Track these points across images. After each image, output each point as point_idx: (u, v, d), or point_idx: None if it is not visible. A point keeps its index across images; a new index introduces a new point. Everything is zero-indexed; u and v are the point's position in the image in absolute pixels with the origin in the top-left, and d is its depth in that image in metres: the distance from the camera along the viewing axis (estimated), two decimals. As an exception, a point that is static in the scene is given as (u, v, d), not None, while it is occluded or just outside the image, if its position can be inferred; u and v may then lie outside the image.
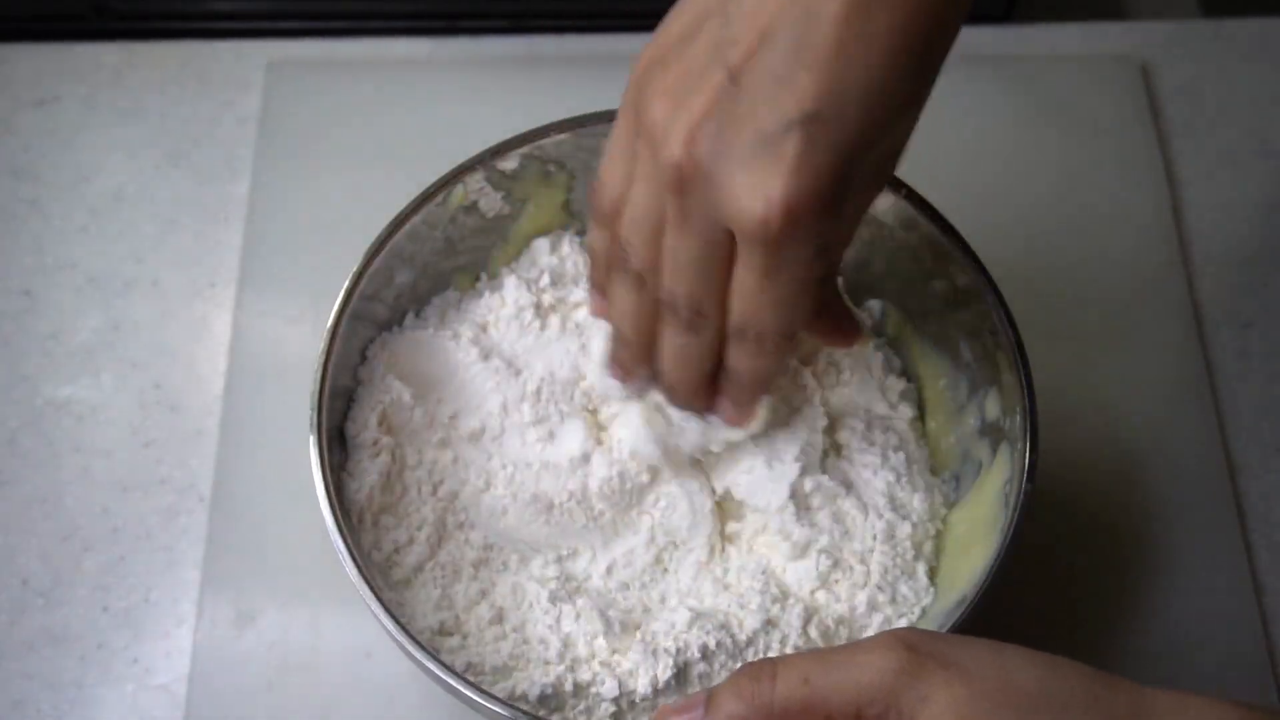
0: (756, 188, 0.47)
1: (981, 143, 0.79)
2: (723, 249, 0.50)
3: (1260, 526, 0.70)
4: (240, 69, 0.82)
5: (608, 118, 0.62)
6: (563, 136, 0.62)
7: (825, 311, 0.57)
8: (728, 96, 0.47)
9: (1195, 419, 0.72)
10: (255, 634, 0.65)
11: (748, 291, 0.50)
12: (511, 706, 0.52)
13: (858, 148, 0.47)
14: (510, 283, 0.63)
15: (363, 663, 0.65)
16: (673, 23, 0.50)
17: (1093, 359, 0.73)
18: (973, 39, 0.83)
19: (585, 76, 0.80)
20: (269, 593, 0.66)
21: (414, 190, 0.61)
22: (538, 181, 0.63)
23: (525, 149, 0.62)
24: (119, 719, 0.64)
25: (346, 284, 0.59)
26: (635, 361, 0.56)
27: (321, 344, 0.58)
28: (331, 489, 0.55)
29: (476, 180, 0.62)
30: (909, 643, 0.44)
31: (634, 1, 0.85)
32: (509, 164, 0.62)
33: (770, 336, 0.52)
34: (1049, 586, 0.67)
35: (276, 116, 0.80)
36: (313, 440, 0.56)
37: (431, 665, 0.52)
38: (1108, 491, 0.70)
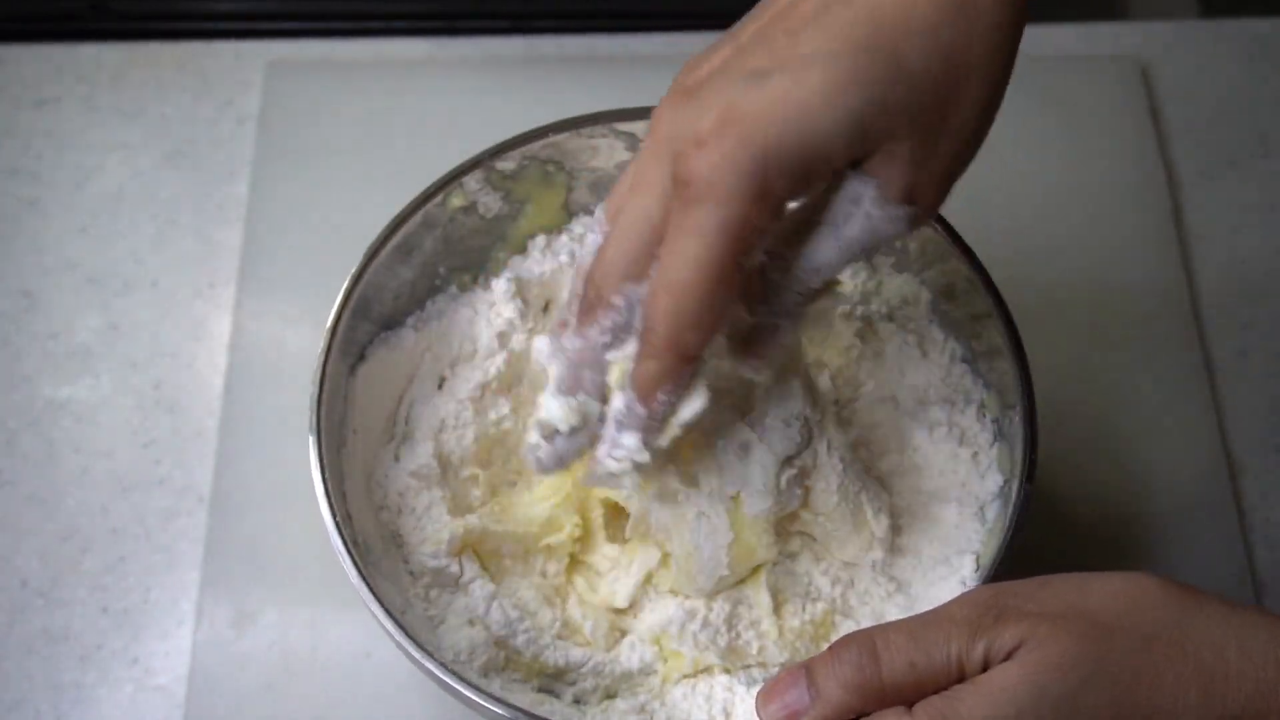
0: (688, 126, 0.44)
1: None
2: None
3: (1260, 526, 0.70)
4: (240, 69, 0.82)
5: (607, 118, 0.62)
6: (562, 137, 0.62)
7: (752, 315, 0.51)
8: (734, 55, 0.45)
9: (1195, 419, 0.72)
10: (255, 634, 0.65)
11: (669, 245, 0.45)
12: (511, 706, 0.52)
13: (806, 113, 0.43)
14: (499, 285, 0.64)
15: (363, 663, 0.65)
16: (703, 61, 0.48)
17: (1092, 359, 0.73)
18: (973, 39, 0.83)
19: (585, 76, 0.80)
20: (269, 593, 0.66)
21: (414, 190, 0.61)
22: (537, 182, 0.63)
23: (525, 149, 0.62)
24: (119, 719, 0.65)
25: (346, 284, 0.59)
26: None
27: (321, 344, 0.58)
28: (331, 489, 0.55)
29: (476, 180, 0.62)
30: (992, 603, 0.45)
31: (634, 2, 0.86)
32: (508, 164, 0.62)
33: (678, 290, 0.46)
34: (1049, 586, 0.67)
35: (276, 116, 0.80)
36: (312, 441, 0.56)
37: (431, 665, 0.52)
38: (1108, 491, 0.70)
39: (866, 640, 0.46)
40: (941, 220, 0.60)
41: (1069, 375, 0.71)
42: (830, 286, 0.50)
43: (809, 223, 0.48)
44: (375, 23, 0.85)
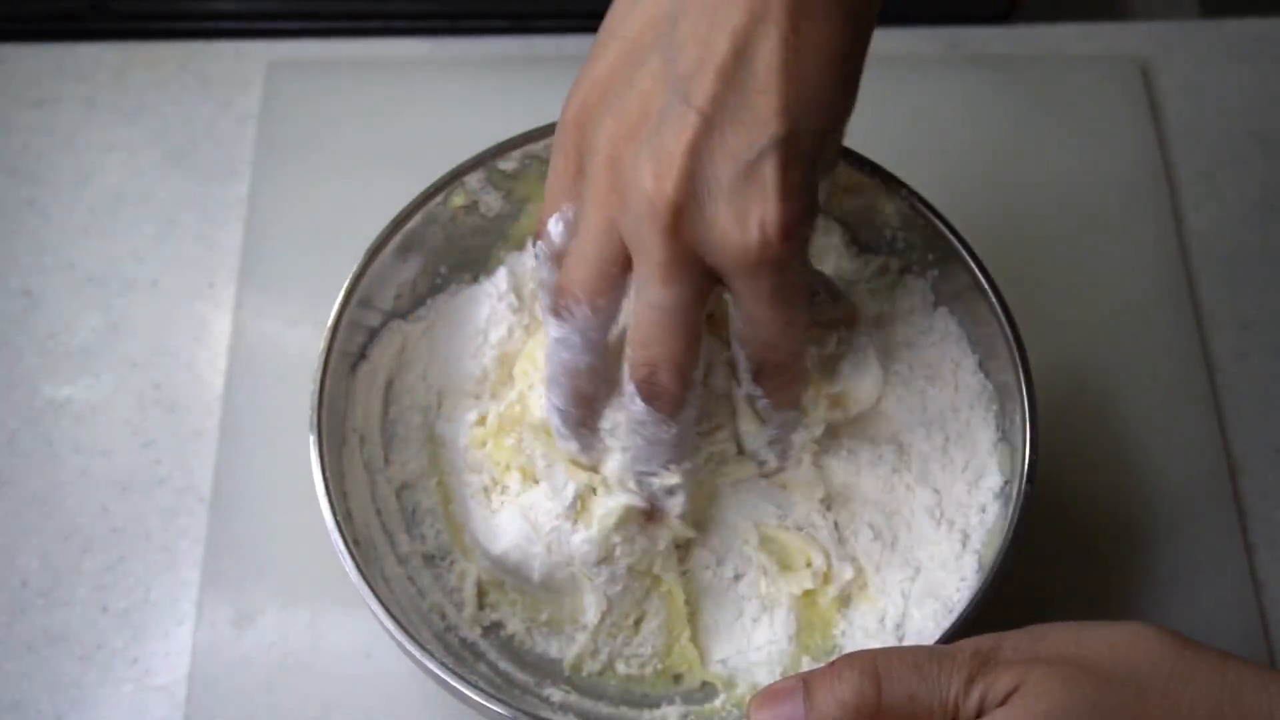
0: (748, 217, 0.48)
1: (981, 143, 0.79)
2: (700, 302, 0.51)
3: (1260, 526, 0.70)
4: (240, 69, 0.82)
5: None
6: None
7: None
8: (704, 134, 0.48)
9: (1195, 419, 0.72)
10: (255, 634, 0.65)
11: (763, 322, 0.51)
12: (511, 706, 0.52)
13: (818, 154, 0.49)
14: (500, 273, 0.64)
15: (363, 663, 0.65)
16: (597, 63, 0.51)
17: (1093, 359, 0.73)
18: (973, 39, 0.83)
19: (585, 76, 0.80)
20: (269, 593, 0.66)
21: (414, 190, 0.61)
22: (538, 181, 0.63)
23: (526, 148, 0.62)
24: (119, 719, 0.64)
25: (346, 283, 0.59)
26: (581, 426, 0.56)
27: (322, 343, 0.58)
28: (332, 488, 0.55)
29: (477, 180, 0.62)
30: (991, 650, 0.46)
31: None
32: (509, 164, 0.62)
33: (797, 357, 0.54)
34: (1048, 587, 0.67)
35: (276, 116, 0.80)
36: (313, 440, 0.56)
37: (431, 665, 0.52)
38: (1108, 491, 0.70)
39: (869, 664, 0.46)
40: (945, 220, 0.60)
41: (1068, 375, 0.71)
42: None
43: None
44: (375, 23, 0.85)
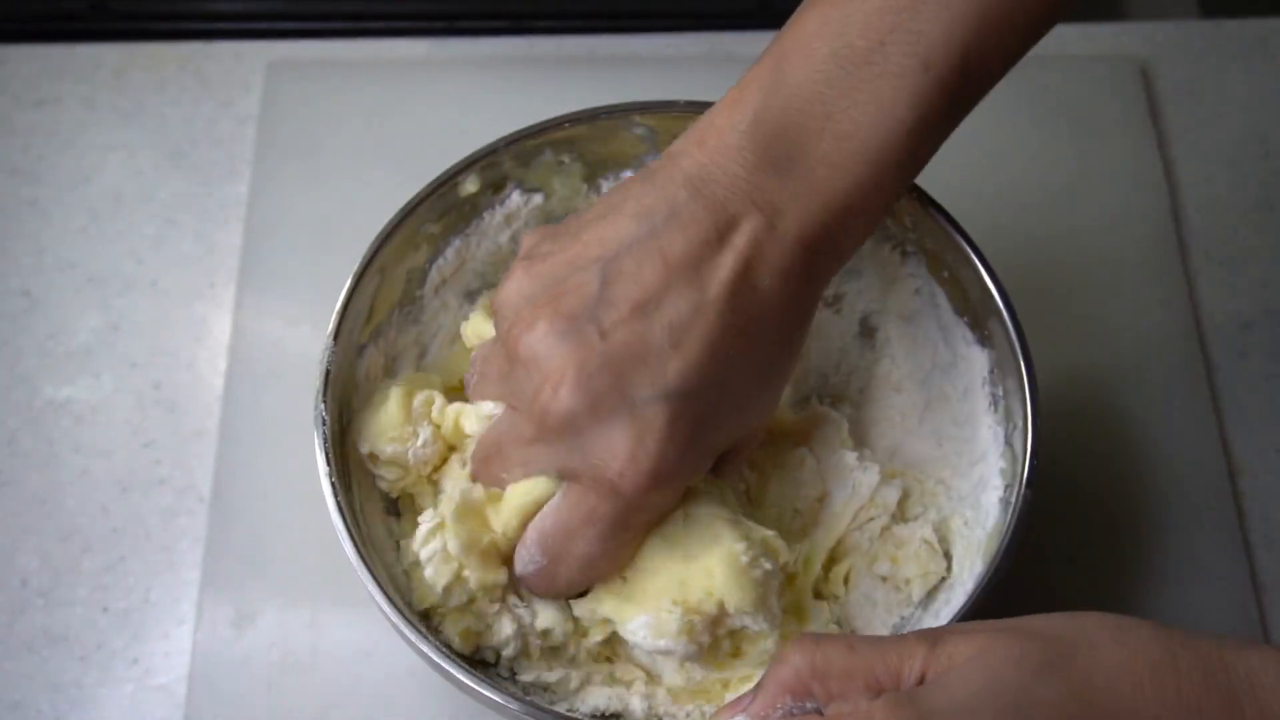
0: (619, 448, 0.50)
1: (981, 143, 0.79)
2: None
3: (1260, 526, 0.70)
4: (240, 69, 0.82)
5: (620, 111, 0.62)
6: (578, 129, 0.62)
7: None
8: (600, 355, 0.50)
9: (1195, 419, 0.72)
10: (255, 634, 0.65)
11: (561, 531, 0.54)
12: (513, 697, 0.52)
13: (714, 421, 0.52)
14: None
15: (363, 663, 0.65)
16: (552, 255, 0.53)
17: (1092, 359, 0.73)
18: (973, 39, 0.83)
19: (585, 77, 0.80)
20: (269, 593, 0.66)
21: (413, 189, 0.61)
22: (548, 172, 0.64)
23: (538, 140, 0.62)
24: (119, 719, 0.64)
25: (356, 270, 0.59)
26: None
27: (329, 329, 0.58)
28: (336, 482, 0.55)
29: (472, 183, 0.62)
30: (937, 630, 0.47)
31: (634, 2, 0.86)
32: (522, 154, 0.63)
33: (555, 573, 0.55)
34: (1049, 587, 0.67)
35: (276, 116, 0.80)
36: (318, 438, 0.56)
37: (430, 651, 0.52)
38: (1108, 491, 0.70)
39: (810, 636, 0.47)
40: (951, 221, 0.60)
41: (1068, 374, 0.71)
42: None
43: None
44: (375, 23, 0.85)
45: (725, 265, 0.51)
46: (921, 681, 0.45)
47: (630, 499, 0.52)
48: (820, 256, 0.53)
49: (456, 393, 0.61)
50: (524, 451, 0.54)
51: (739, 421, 0.54)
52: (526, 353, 0.51)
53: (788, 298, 0.52)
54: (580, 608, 0.57)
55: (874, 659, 0.46)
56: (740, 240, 0.51)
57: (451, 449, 0.60)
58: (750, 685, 0.50)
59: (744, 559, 0.54)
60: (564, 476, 0.54)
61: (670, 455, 0.51)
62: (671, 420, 0.50)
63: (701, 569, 0.54)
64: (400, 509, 0.61)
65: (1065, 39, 0.84)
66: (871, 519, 0.61)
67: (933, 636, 0.46)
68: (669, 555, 0.54)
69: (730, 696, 0.54)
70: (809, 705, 0.46)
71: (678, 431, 0.51)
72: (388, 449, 0.59)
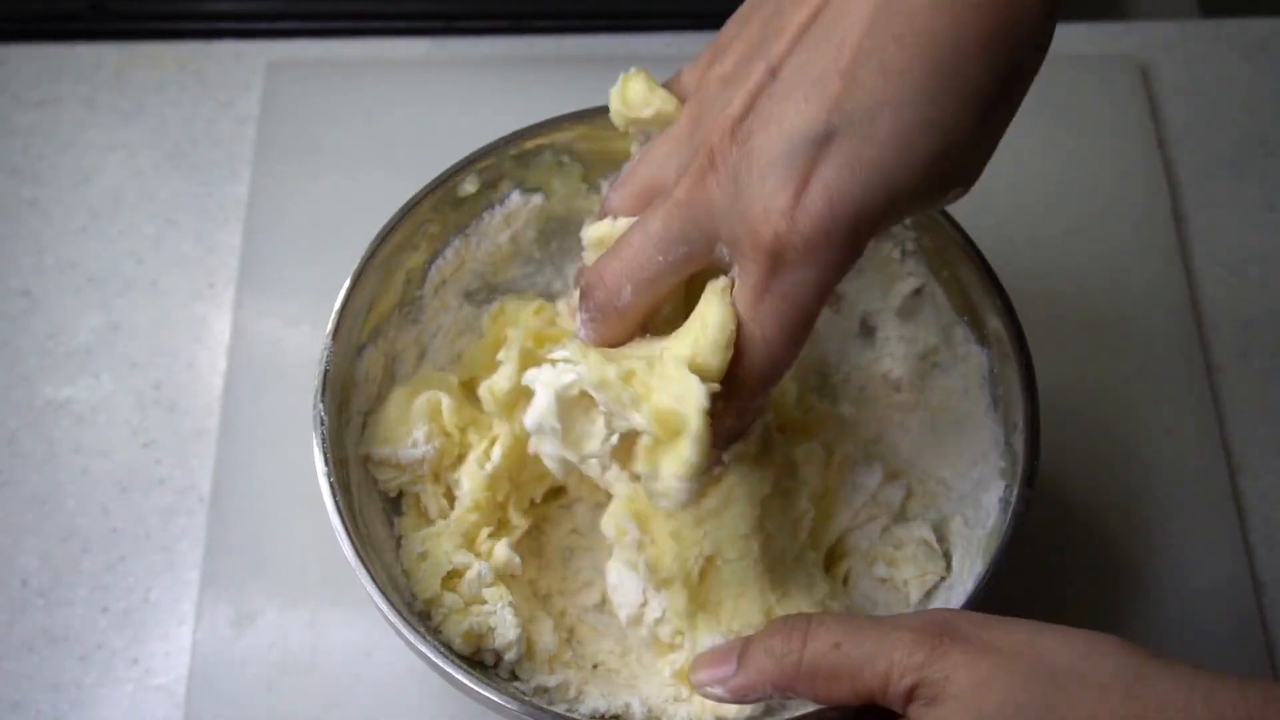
0: (771, 200, 0.44)
1: (981, 143, 0.79)
2: (680, 261, 0.48)
3: (1260, 526, 0.70)
4: (240, 69, 0.82)
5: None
6: (577, 129, 0.62)
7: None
8: (765, 93, 0.45)
9: (1195, 419, 0.72)
10: (255, 634, 0.65)
11: (745, 324, 0.47)
12: (513, 698, 0.52)
13: (884, 171, 0.43)
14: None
15: (363, 663, 0.65)
16: (733, 18, 0.50)
17: (1093, 359, 0.73)
18: (973, 39, 0.83)
19: (585, 76, 0.80)
20: (269, 593, 0.66)
21: (413, 189, 0.61)
22: (549, 171, 0.64)
23: (538, 140, 0.62)
24: (119, 719, 0.65)
25: (355, 270, 0.59)
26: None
27: (328, 329, 0.58)
28: (335, 482, 0.55)
29: (472, 183, 0.62)
30: (944, 623, 0.45)
31: (633, 2, 0.86)
32: (521, 154, 0.63)
33: (754, 392, 0.48)
34: (1049, 586, 0.67)
35: (276, 116, 0.80)
36: (316, 438, 0.56)
37: (428, 651, 0.52)
38: (1108, 491, 0.70)
39: (802, 619, 0.47)
40: (953, 222, 0.60)
41: (1068, 374, 0.71)
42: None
43: None
44: (375, 23, 0.85)
45: None
46: (910, 695, 0.44)
47: (792, 256, 0.45)
48: None
49: (471, 390, 0.61)
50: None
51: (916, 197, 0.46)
52: (706, 102, 0.48)
53: None
54: (655, 600, 0.54)
55: (863, 662, 0.45)
56: None
57: (459, 452, 0.60)
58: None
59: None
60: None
61: (845, 210, 0.44)
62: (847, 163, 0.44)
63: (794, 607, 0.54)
64: (403, 508, 0.61)
65: (1065, 39, 0.84)
66: (873, 519, 0.61)
67: (934, 640, 0.44)
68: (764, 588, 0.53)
69: (707, 641, 0.53)
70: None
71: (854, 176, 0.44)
72: (382, 449, 0.59)
